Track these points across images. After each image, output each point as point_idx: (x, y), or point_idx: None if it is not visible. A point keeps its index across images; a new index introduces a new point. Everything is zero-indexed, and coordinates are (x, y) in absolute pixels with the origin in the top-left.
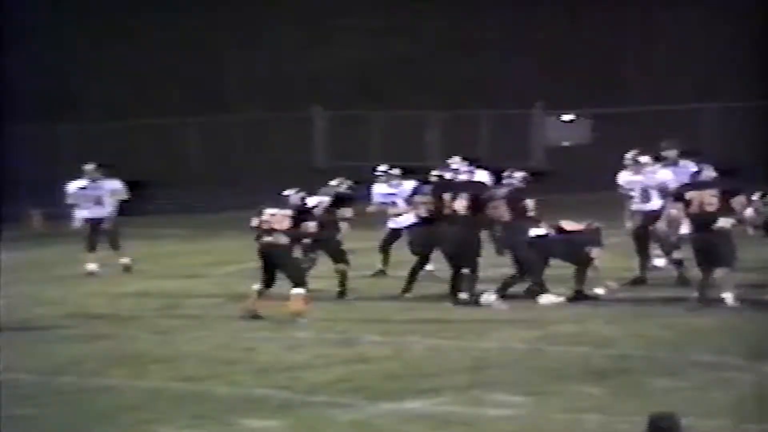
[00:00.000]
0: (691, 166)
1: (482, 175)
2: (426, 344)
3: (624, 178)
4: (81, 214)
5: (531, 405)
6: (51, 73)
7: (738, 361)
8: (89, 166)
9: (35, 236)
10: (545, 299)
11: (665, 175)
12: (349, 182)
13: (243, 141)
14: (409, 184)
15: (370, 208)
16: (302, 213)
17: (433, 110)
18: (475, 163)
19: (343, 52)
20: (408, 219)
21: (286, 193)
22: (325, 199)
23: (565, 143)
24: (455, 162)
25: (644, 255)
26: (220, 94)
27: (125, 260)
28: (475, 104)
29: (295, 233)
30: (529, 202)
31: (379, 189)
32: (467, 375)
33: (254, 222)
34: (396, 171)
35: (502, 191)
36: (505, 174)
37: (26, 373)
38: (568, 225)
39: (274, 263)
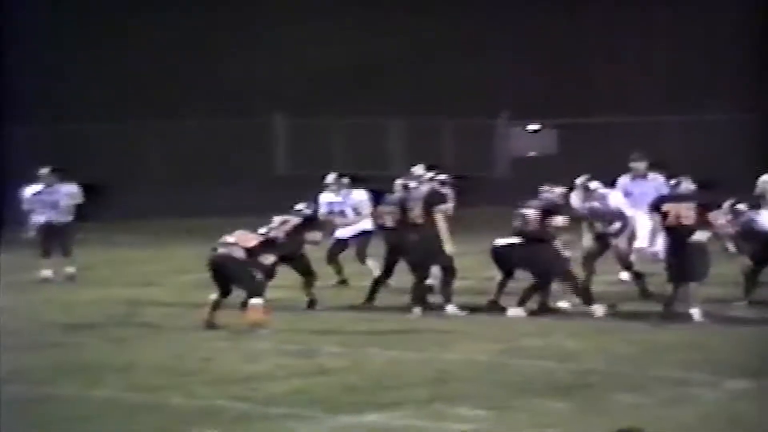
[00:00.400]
0: (660, 179)
1: (360, 194)
2: (387, 356)
3: (574, 202)
4: (37, 219)
5: (494, 419)
6: (6, 76)
7: (703, 377)
8: (44, 171)
9: None
10: (513, 311)
11: (617, 199)
12: (314, 206)
13: (202, 147)
14: (359, 194)
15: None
16: (271, 241)
17: (396, 118)
18: (437, 171)
19: (304, 59)
20: (355, 229)
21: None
22: (294, 219)
23: (531, 153)
24: (418, 171)
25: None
26: (179, 99)
27: (71, 269)
28: (438, 113)
29: (253, 256)
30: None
31: (326, 198)
32: (429, 388)
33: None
34: (345, 180)
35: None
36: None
37: None
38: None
39: (226, 276)
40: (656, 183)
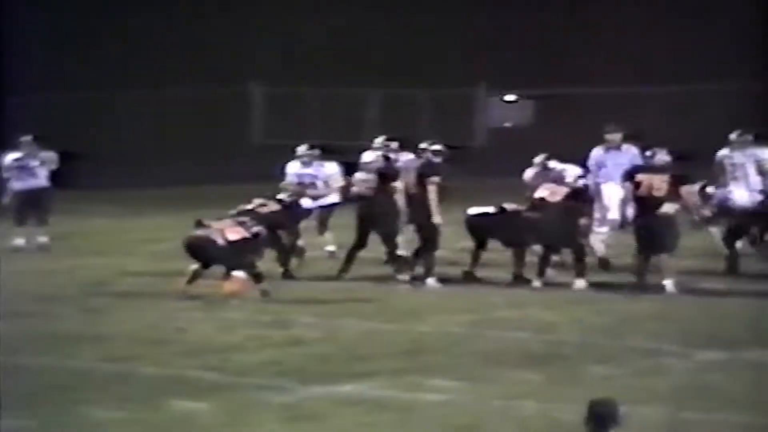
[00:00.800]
0: (634, 151)
1: (331, 166)
2: (361, 327)
3: (528, 178)
4: (15, 186)
5: (467, 390)
6: None
7: (675, 347)
8: (25, 138)
9: None
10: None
11: (575, 171)
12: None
13: (178, 116)
14: (331, 166)
15: (284, 185)
16: (255, 237)
17: (373, 88)
18: (401, 143)
19: (281, 28)
20: (322, 200)
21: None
22: (273, 205)
23: (507, 124)
24: (380, 143)
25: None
26: (155, 69)
27: (43, 239)
28: (415, 83)
29: (234, 245)
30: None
31: (293, 168)
32: (402, 359)
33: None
34: (316, 151)
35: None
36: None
37: None
38: (510, 206)
39: (205, 257)
40: (630, 154)
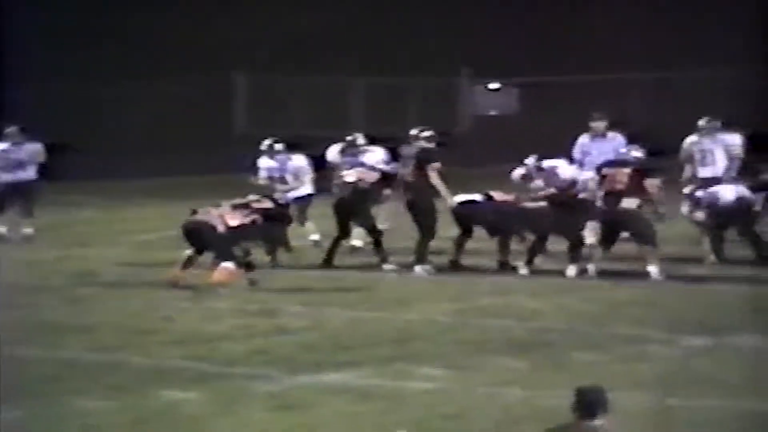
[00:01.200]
0: (620, 138)
1: (299, 159)
2: (347, 316)
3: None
4: (1, 177)
5: (453, 378)
6: None
7: (660, 334)
8: (11, 129)
9: None
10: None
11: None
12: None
13: (162, 107)
14: (299, 159)
15: (254, 180)
16: (253, 223)
17: (357, 77)
18: (421, 129)
19: (265, 17)
20: (297, 192)
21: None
22: (267, 203)
23: (492, 112)
24: (360, 140)
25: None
26: (139, 59)
27: (28, 230)
28: (399, 71)
29: (234, 231)
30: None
31: (265, 163)
32: (389, 347)
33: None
34: (280, 146)
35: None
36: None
37: None
38: (497, 195)
39: (200, 241)
40: (615, 143)
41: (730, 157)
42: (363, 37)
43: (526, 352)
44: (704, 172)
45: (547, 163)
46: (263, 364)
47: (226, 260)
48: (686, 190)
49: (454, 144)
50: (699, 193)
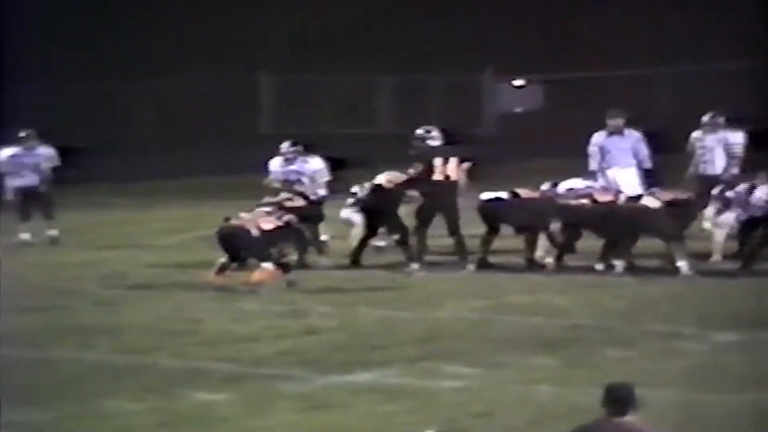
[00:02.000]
0: (637, 135)
1: (316, 162)
2: (376, 315)
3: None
4: (13, 182)
5: (483, 376)
6: None
7: (691, 330)
8: (25, 133)
9: None
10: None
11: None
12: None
13: (187, 107)
14: (316, 162)
15: (267, 182)
16: (287, 225)
17: (383, 76)
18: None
19: (291, 15)
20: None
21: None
22: (299, 201)
23: (517, 109)
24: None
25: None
26: (163, 59)
27: (53, 232)
28: (425, 69)
29: (269, 234)
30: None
31: (276, 165)
32: (418, 346)
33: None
34: (299, 148)
35: None
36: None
37: None
38: (523, 191)
39: (236, 247)
40: (633, 139)
41: (730, 156)
42: (389, 36)
43: (555, 349)
44: (704, 169)
45: (561, 187)
46: (293, 364)
47: (265, 261)
48: (714, 191)
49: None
50: (729, 194)
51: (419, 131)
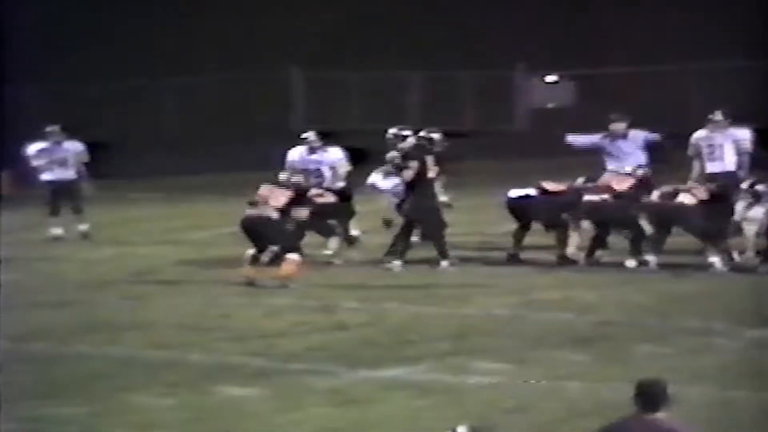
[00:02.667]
0: (642, 135)
1: (336, 152)
2: (406, 311)
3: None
4: (45, 177)
5: (513, 372)
6: (18, 34)
7: (722, 326)
8: (52, 128)
9: (2, 199)
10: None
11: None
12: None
13: (217, 103)
14: (336, 152)
15: (287, 176)
16: (300, 195)
17: (414, 72)
18: (327, 137)
19: (320, 12)
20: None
21: (281, 176)
22: (329, 197)
23: (549, 105)
24: (309, 135)
25: None
26: (193, 55)
27: (84, 227)
28: (457, 65)
29: (286, 212)
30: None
31: (295, 155)
32: (448, 342)
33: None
34: (317, 138)
35: None
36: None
37: None
38: (550, 185)
39: (259, 235)
40: (638, 141)
41: (740, 152)
42: (419, 32)
43: (587, 345)
44: (713, 167)
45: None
46: (323, 359)
47: (290, 251)
48: (744, 185)
49: (507, 138)
50: (760, 187)
51: (392, 130)
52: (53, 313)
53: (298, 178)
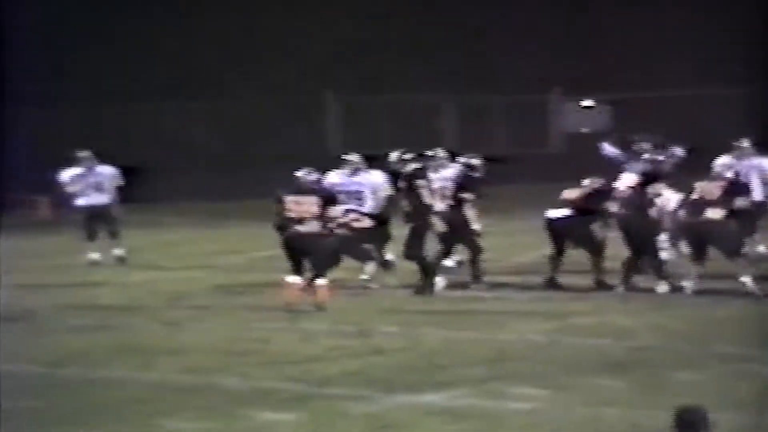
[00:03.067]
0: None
1: (377, 176)
2: (443, 336)
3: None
4: (80, 201)
5: (550, 398)
6: (50, 55)
7: (759, 352)
8: (84, 153)
9: (41, 224)
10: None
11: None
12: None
13: (252, 127)
14: (377, 176)
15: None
16: (327, 197)
17: (449, 96)
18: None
19: (356, 36)
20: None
21: (298, 173)
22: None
23: (585, 130)
24: (352, 158)
25: None
26: (228, 79)
27: (119, 251)
28: (491, 90)
29: (326, 218)
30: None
31: (335, 177)
32: (485, 367)
33: (278, 211)
34: (359, 159)
35: None
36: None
37: (30, 364)
38: (571, 193)
39: (304, 251)
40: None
41: (765, 182)
42: (455, 57)
43: (623, 371)
44: None
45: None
46: (359, 384)
47: (320, 276)
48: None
49: (542, 162)
50: None
51: (395, 154)
52: (87, 337)
53: (315, 176)
